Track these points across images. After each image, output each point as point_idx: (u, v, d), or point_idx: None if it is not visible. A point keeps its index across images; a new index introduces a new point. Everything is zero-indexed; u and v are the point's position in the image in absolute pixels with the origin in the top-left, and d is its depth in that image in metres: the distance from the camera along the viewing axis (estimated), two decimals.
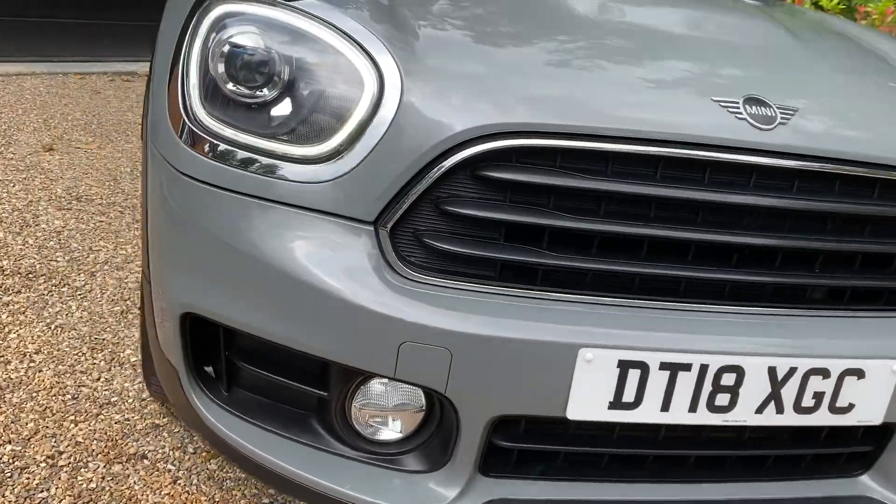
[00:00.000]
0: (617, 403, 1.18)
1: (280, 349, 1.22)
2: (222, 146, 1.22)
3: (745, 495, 1.38)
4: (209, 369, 1.35)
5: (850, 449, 1.40)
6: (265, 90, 1.22)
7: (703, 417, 1.22)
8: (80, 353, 2.00)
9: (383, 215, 1.17)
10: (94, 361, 1.98)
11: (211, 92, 1.25)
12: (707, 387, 1.19)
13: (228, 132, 1.22)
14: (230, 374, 1.33)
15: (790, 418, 1.25)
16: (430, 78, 1.18)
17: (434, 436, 1.27)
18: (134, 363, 1.99)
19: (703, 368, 1.18)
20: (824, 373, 1.23)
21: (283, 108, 1.21)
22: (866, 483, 1.43)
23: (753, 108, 1.22)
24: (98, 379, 1.91)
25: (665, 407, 1.20)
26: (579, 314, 1.17)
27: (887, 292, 1.33)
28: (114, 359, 2.00)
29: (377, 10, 1.29)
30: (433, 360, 1.13)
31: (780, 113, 1.23)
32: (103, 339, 2.08)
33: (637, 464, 1.33)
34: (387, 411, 1.26)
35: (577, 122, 1.16)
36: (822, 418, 1.26)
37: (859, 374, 1.24)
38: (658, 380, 1.17)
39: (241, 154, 1.21)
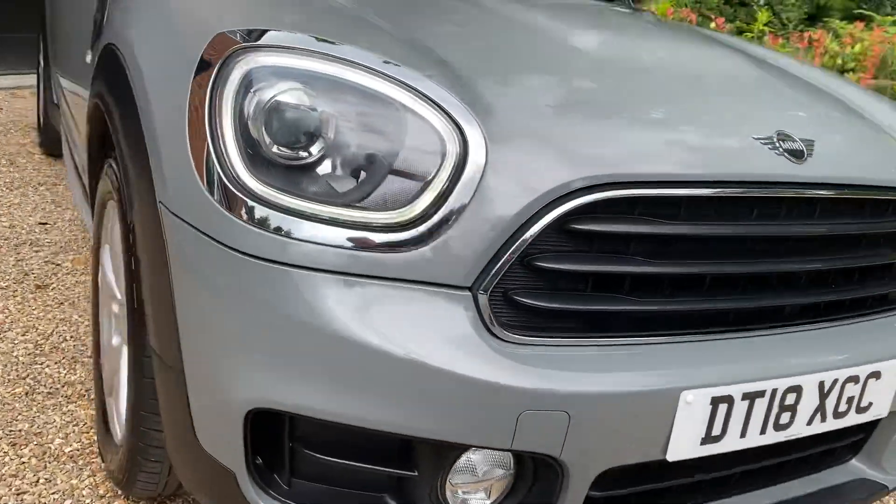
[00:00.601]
0: (707, 438, 1.21)
1: (359, 433, 1.12)
2: (287, 219, 1.08)
3: (767, 500, 1.48)
4: (259, 461, 1.20)
5: (849, 440, 1.55)
6: (314, 151, 1.11)
7: (770, 437, 1.28)
8: (1, 453, 1.69)
9: (480, 279, 1.11)
10: (23, 460, 1.68)
11: (253, 156, 1.11)
12: (775, 409, 1.26)
13: (294, 202, 1.09)
14: (292, 465, 1.20)
15: (830, 424, 1.36)
16: (513, 136, 1.14)
17: (526, 498, 1.22)
18: (70, 453, 1.72)
19: (774, 392, 1.25)
20: (855, 379, 1.34)
21: (350, 173, 1.11)
22: (856, 466, 1.59)
23: (786, 143, 1.30)
24: (36, 481, 1.62)
25: (743, 433, 1.25)
26: (675, 357, 1.19)
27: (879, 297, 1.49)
28: (45, 452, 1.71)
29: (438, 66, 1.22)
30: (551, 425, 1.10)
31: (805, 146, 1.32)
32: (20, 431, 1.77)
33: (692, 489, 1.38)
34: (479, 481, 1.20)
35: (659, 170, 1.17)
36: (852, 419, 1.39)
37: (877, 375, 1.37)
38: (740, 410, 1.22)
39: (311, 226, 1.08)
